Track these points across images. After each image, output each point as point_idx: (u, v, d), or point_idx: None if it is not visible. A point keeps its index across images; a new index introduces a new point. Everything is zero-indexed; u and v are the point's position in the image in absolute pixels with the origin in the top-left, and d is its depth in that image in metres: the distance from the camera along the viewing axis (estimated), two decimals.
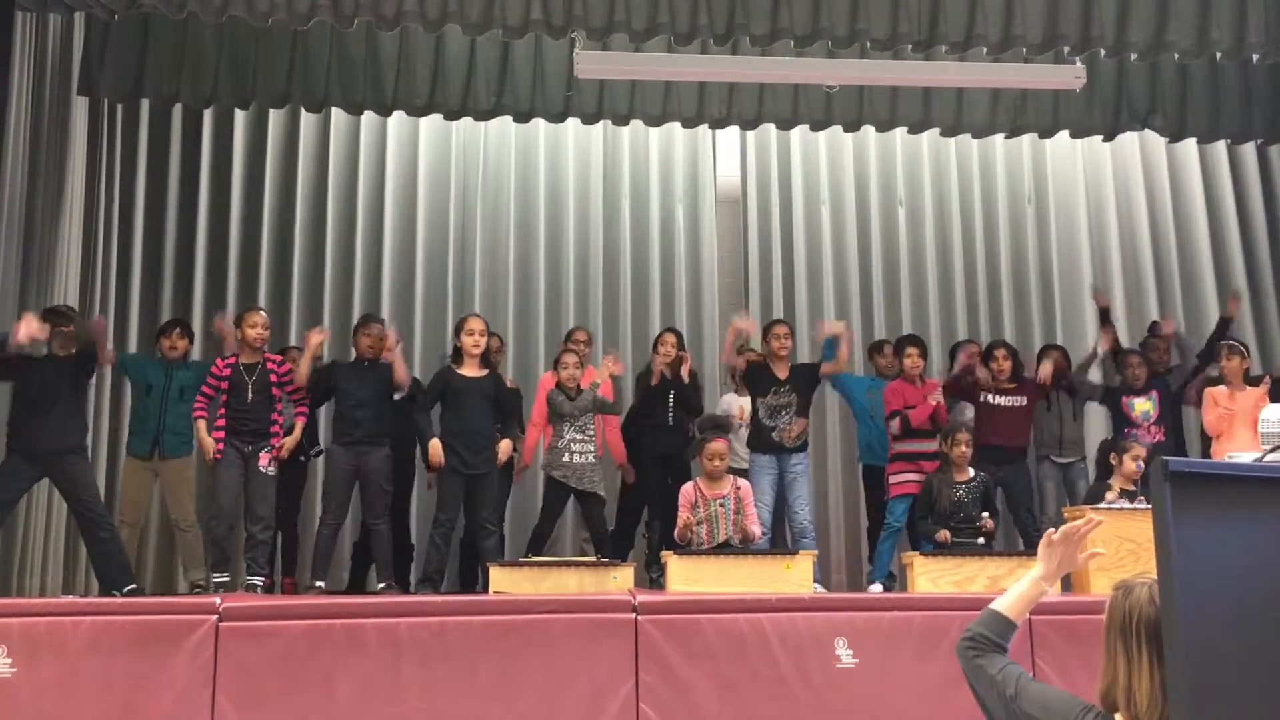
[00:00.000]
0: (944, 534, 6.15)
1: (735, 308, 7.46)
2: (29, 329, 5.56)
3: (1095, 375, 7.59)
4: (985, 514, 6.22)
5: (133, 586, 5.80)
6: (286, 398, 6.43)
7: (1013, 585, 2.46)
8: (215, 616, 4.75)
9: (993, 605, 2.41)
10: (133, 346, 7.73)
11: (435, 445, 6.16)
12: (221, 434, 6.17)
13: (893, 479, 6.80)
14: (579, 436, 6.43)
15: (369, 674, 4.76)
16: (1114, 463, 6.38)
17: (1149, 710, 2.06)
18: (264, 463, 6.17)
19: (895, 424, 6.77)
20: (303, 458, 6.99)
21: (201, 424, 6.21)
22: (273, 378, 6.32)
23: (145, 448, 6.41)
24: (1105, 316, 7.86)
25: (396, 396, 6.50)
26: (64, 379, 5.83)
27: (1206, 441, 7.01)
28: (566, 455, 6.41)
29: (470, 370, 6.33)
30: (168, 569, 7.55)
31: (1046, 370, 7.10)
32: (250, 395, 6.21)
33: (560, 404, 6.47)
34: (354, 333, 6.63)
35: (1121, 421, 7.12)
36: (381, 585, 6.18)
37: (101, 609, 4.90)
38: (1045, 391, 7.15)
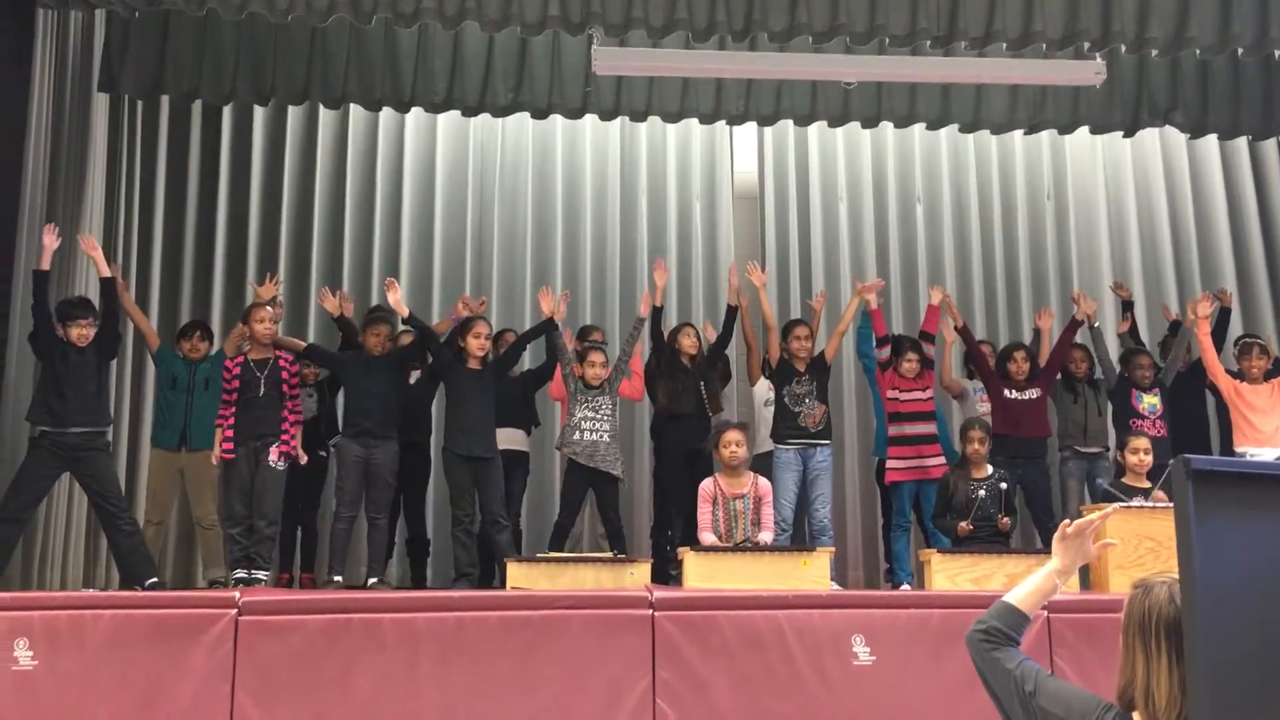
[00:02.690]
0: (965, 525, 6.13)
1: (751, 303, 7.42)
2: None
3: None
4: (1003, 516, 6.19)
5: (154, 580, 5.86)
6: (289, 394, 6.44)
7: (1027, 578, 2.46)
8: (235, 610, 4.79)
9: (1006, 598, 2.40)
10: None
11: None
12: (230, 440, 6.17)
13: (890, 464, 6.90)
14: (590, 415, 6.44)
15: (387, 668, 4.78)
16: (1120, 460, 6.38)
17: (1168, 709, 2.05)
18: (273, 457, 6.16)
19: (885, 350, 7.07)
20: (323, 452, 7.01)
21: (219, 433, 6.26)
22: (284, 374, 6.34)
23: (173, 440, 6.45)
24: (1128, 309, 7.86)
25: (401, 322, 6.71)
26: (88, 366, 5.94)
27: (1225, 435, 7.00)
28: (578, 434, 6.43)
29: (472, 364, 6.45)
30: (188, 565, 7.60)
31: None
32: (262, 391, 6.23)
33: (576, 382, 6.49)
34: (363, 331, 6.62)
35: (1128, 413, 7.10)
36: (372, 581, 6.18)
37: (122, 602, 4.93)
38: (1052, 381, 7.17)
